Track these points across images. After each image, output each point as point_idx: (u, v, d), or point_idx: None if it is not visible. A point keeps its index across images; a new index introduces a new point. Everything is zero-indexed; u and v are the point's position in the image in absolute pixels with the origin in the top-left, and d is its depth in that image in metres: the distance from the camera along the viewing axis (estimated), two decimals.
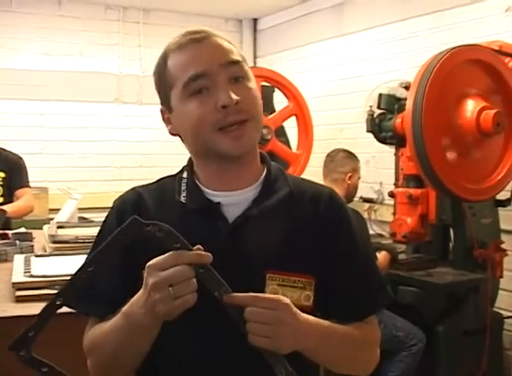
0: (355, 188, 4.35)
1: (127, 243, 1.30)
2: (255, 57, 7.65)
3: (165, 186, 1.60)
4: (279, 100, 5.36)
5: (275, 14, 7.24)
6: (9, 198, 4.75)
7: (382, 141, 4.22)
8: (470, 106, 3.50)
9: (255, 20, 7.68)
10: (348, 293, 1.54)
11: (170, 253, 1.26)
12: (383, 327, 3.47)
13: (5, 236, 3.68)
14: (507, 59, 3.87)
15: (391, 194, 4.16)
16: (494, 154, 3.71)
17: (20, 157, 4.95)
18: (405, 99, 3.76)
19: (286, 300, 1.31)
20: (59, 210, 4.67)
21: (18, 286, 2.51)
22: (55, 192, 5.61)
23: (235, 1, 6.94)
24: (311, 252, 1.51)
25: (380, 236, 5.27)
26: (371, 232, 4.99)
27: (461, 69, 3.55)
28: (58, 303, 1.30)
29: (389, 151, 4.55)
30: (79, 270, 1.30)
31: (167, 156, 6.74)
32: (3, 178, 4.76)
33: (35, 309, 2.33)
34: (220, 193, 1.52)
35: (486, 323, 3.95)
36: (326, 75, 6.49)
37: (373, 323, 1.59)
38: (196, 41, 1.46)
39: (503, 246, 4.19)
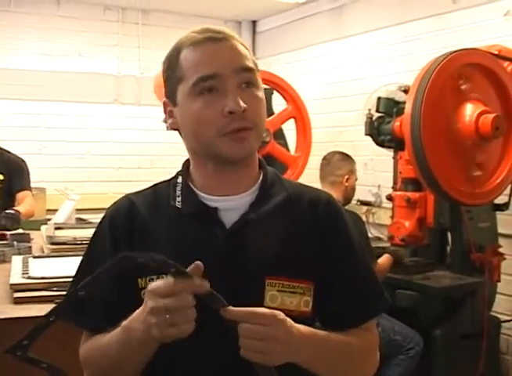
0: (353, 189, 4.35)
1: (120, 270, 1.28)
2: None
3: (160, 191, 1.58)
4: (278, 103, 5.36)
5: (275, 16, 7.24)
6: (7, 201, 4.71)
7: (380, 144, 4.22)
8: (469, 110, 3.50)
9: (254, 22, 7.68)
10: (346, 298, 1.53)
11: (171, 280, 1.23)
12: (381, 330, 3.48)
13: (2, 237, 3.67)
14: (506, 64, 3.87)
15: (390, 197, 4.16)
16: (493, 158, 3.71)
17: (23, 160, 4.91)
18: (404, 102, 3.77)
19: (282, 315, 1.29)
20: (56, 211, 4.66)
21: (16, 287, 2.51)
22: (53, 192, 5.60)
23: (234, 2, 6.94)
24: (309, 257, 1.50)
25: (378, 239, 5.27)
26: (369, 235, 4.99)
27: (460, 73, 3.55)
28: (51, 319, 1.29)
29: (387, 154, 4.55)
30: (70, 292, 1.29)
31: (166, 157, 6.74)
32: (1, 180, 4.73)
33: (34, 310, 2.35)
34: (217, 197, 1.50)
35: (483, 327, 3.95)
36: (325, 78, 6.49)
37: (372, 329, 1.58)
38: (213, 41, 1.44)
39: (501, 250, 4.19)
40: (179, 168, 1.62)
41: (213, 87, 1.41)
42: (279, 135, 5.20)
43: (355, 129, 5.44)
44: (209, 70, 1.41)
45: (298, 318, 1.38)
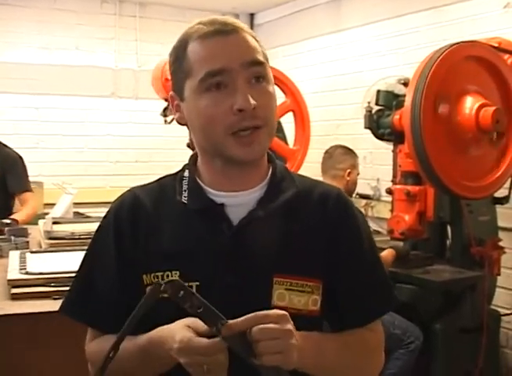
0: (355, 184, 4.34)
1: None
2: None
3: (165, 185, 1.54)
4: (277, 96, 5.33)
5: (273, 9, 7.22)
6: (2, 198, 4.65)
7: (380, 137, 4.21)
8: (469, 103, 3.48)
9: (252, 15, 7.66)
10: (355, 296, 1.50)
11: (205, 342, 1.20)
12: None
13: None
14: (506, 56, 3.85)
15: (389, 191, 4.14)
16: (493, 152, 3.69)
17: (20, 157, 4.78)
18: (404, 95, 3.75)
19: (282, 311, 1.25)
20: (54, 205, 4.65)
21: (13, 283, 2.50)
22: (50, 187, 5.58)
23: None
24: (318, 254, 1.46)
25: (377, 232, 5.26)
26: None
27: (460, 66, 3.53)
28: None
29: (386, 147, 4.53)
30: (111, 348, 1.26)
31: (164, 150, 6.74)
32: None
33: (31, 306, 2.33)
34: (224, 193, 1.47)
35: (483, 321, 3.94)
36: (324, 71, 6.47)
37: (377, 328, 1.56)
38: (222, 34, 1.38)
39: (501, 243, 4.18)
40: (177, 162, 1.60)
41: (221, 83, 1.36)
42: (278, 129, 5.12)
43: (354, 122, 5.42)
44: (217, 65, 1.36)
45: (306, 317, 1.37)
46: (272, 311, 1.24)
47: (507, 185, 4.00)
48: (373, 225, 5.46)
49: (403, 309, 3.88)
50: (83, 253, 1.58)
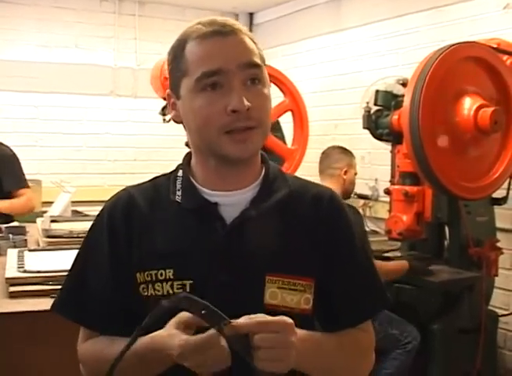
0: (352, 184, 4.34)
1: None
2: None
3: (159, 185, 1.56)
4: (275, 95, 5.34)
5: (272, 8, 7.22)
6: None
7: (378, 138, 4.21)
8: (468, 104, 3.49)
9: (251, 15, 7.66)
10: (347, 296, 1.51)
11: (200, 339, 1.21)
12: (377, 324, 3.47)
13: None
14: (505, 57, 3.85)
15: (387, 191, 4.14)
16: (491, 152, 3.70)
17: (13, 154, 4.71)
18: (402, 95, 3.75)
19: (289, 320, 1.25)
20: (52, 203, 4.65)
21: (11, 281, 2.50)
22: (49, 185, 5.58)
23: None
24: (311, 254, 1.48)
25: (375, 233, 5.26)
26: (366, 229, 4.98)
27: (459, 66, 3.53)
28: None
29: (384, 148, 4.53)
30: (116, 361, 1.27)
31: (162, 149, 6.74)
32: None
33: (29, 305, 2.33)
34: (217, 192, 1.48)
35: (481, 322, 3.95)
36: (323, 71, 6.48)
37: (368, 329, 1.57)
38: (220, 35, 1.39)
39: (499, 244, 4.18)
40: (175, 161, 1.61)
41: (216, 83, 1.37)
42: (276, 128, 5.18)
43: (353, 122, 5.43)
44: (213, 66, 1.37)
45: (298, 316, 1.37)
46: (278, 319, 1.24)
47: (505, 186, 4.01)
48: (371, 226, 5.47)
49: (401, 310, 3.89)
50: None
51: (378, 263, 3.75)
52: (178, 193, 1.50)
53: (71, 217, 4.34)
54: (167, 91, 1.50)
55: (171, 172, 1.58)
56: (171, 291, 1.42)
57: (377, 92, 4.13)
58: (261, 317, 1.23)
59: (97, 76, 6.88)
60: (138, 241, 1.47)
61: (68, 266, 1.58)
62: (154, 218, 1.49)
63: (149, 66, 5.53)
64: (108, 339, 1.45)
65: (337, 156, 4.31)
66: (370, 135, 4.24)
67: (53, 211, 4.31)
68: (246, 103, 1.36)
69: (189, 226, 1.47)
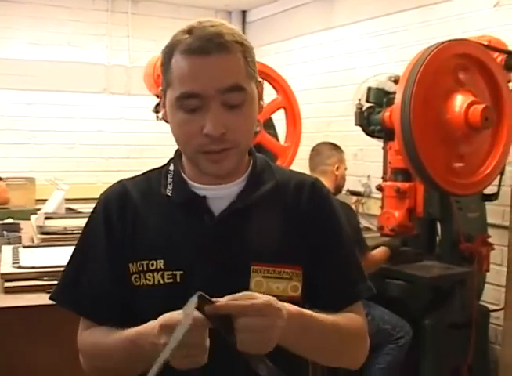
0: (343, 179, 4.38)
1: None
2: None
3: (152, 178, 1.61)
4: (268, 93, 5.36)
5: (265, 6, 7.23)
6: None
7: (370, 134, 4.23)
8: (459, 101, 3.51)
9: (244, 12, 7.67)
10: (333, 280, 1.54)
11: (183, 316, 1.20)
12: (370, 319, 3.50)
13: None
14: (496, 54, 3.88)
15: (379, 188, 4.16)
16: (482, 149, 3.72)
17: None
18: (394, 92, 3.77)
19: (278, 303, 1.27)
20: (46, 200, 4.67)
21: (6, 277, 2.51)
22: (42, 182, 5.60)
23: None
24: (297, 243, 1.51)
25: (368, 229, 5.29)
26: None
27: (450, 63, 3.56)
28: None
29: (376, 144, 4.56)
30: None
31: (155, 147, 6.74)
32: None
33: (24, 300, 2.35)
34: (206, 186, 1.53)
35: (472, 317, 3.97)
36: (315, 68, 6.49)
37: (358, 311, 1.58)
38: (205, 54, 1.38)
39: (490, 240, 4.20)
40: (169, 158, 1.64)
41: (195, 107, 1.40)
42: (269, 125, 5.20)
43: (345, 119, 5.45)
44: (193, 89, 1.39)
45: (287, 303, 1.39)
46: (263, 302, 1.24)
47: (496, 182, 4.03)
48: (363, 222, 5.49)
49: (393, 305, 3.92)
50: None
51: (367, 255, 3.81)
52: (169, 186, 1.55)
53: (65, 214, 4.36)
54: (160, 88, 1.53)
55: (163, 166, 1.62)
56: (161, 281, 1.46)
57: (369, 89, 4.15)
58: (247, 296, 1.25)
59: (90, 74, 6.88)
60: (132, 232, 1.52)
61: (62, 262, 1.60)
62: (147, 210, 1.54)
63: (143, 64, 5.54)
64: (105, 329, 1.47)
65: (329, 152, 4.34)
66: (362, 132, 4.26)
67: (47, 208, 4.32)
68: (219, 129, 1.39)
69: (179, 219, 1.51)
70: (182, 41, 1.41)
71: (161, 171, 1.60)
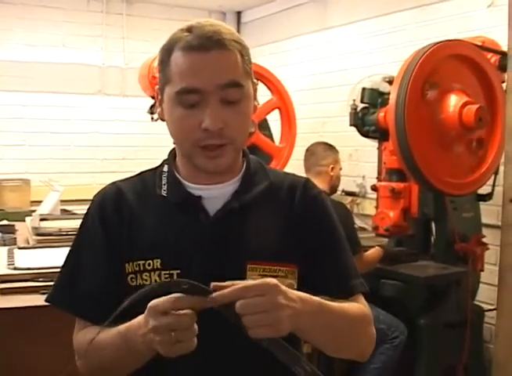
0: (338, 179, 4.39)
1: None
2: None
3: (146, 179, 1.62)
4: (263, 93, 5.36)
5: (259, 7, 7.24)
6: None
7: (365, 135, 4.24)
8: (453, 101, 3.52)
9: (239, 13, 7.67)
10: (328, 276, 1.55)
11: (171, 296, 1.22)
12: None
13: None
14: (490, 55, 3.89)
15: (374, 188, 4.17)
16: (476, 149, 3.73)
17: None
18: (389, 93, 3.78)
19: (273, 280, 1.26)
20: (41, 202, 4.66)
21: (1, 278, 2.51)
22: (38, 184, 5.59)
23: None
24: (291, 242, 1.53)
25: (363, 229, 5.29)
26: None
27: (444, 64, 3.57)
28: None
29: (371, 145, 4.57)
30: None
31: (150, 148, 6.73)
32: None
33: (19, 301, 2.35)
34: (201, 186, 1.54)
35: (467, 316, 3.98)
36: (310, 69, 6.50)
37: (363, 303, 1.58)
38: (204, 50, 1.41)
39: (484, 240, 4.21)
40: (161, 161, 1.65)
41: (194, 102, 1.42)
42: (264, 126, 5.21)
43: (340, 120, 5.45)
44: (193, 84, 1.41)
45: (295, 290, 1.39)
46: (261, 281, 1.25)
47: (491, 182, 4.04)
48: (358, 222, 5.49)
49: (388, 305, 3.92)
50: None
51: (361, 255, 3.81)
52: (164, 187, 1.56)
53: (60, 215, 4.35)
54: (156, 87, 1.54)
55: (157, 167, 1.64)
56: (158, 281, 1.47)
57: (364, 89, 4.15)
58: (246, 282, 1.25)
59: (85, 75, 6.87)
60: (127, 233, 1.52)
61: (58, 263, 1.60)
62: (142, 210, 1.55)
63: (137, 65, 5.54)
64: (99, 328, 1.47)
65: (323, 153, 4.35)
66: (357, 133, 4.27)
67: (42, 209, 4.32)
68: (218, 124, 1.41)
69: (174, 219, 1.52)
70: (183, 39, 1.44)
71: (155, 171, 1.62)
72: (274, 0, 6.91)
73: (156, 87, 1.54)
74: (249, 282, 1.25)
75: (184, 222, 1.51)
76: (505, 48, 3.99)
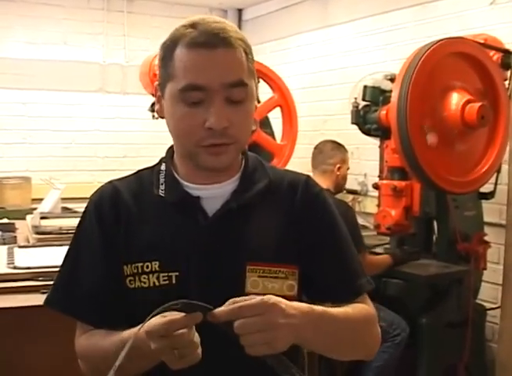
0: (344, 178, 4.37)
1: None
2: None
3: (143, 178, 1.59)
4: (264, 91, 5.35)
5: (261, 4, 7.22)
6: None
7: (367, 133, 4.23)
8: (455, 99, 3.51)
9: (240, 11, 7.66)
10: (334, 276, 1.53)
11: (166, 320, 1.21)
12: None
13: None
14: (492, 53, 3.88)
15: (376, 186, 4.17)
16: (478, 147, 3.72)
17: None
18: (390, 91, 3.77)
19: (273, 299, 1.25)
20: (41, 200, 4.65)
21: (1, 277, 2.50)
22: (38, 182, 5.58)
23: None
24: (293, 241, 1.51)
25: (364, 227, 5.28)
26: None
27: (446, 62, 3.55)
28: None
29: (373, 143, 4.55)
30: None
31: (151, 146, 6.72)
32: None
33: (19, 301, 2.34)
34: (199, 186, 1.52)
35: (469, 315, 3.97)
36: (311, 66, 6.49)
37: (367, 302, 1.56)
38: (210, 47, 1.38)
39: (486, 238, 4.20)
40: (158, 159, 1.63)
41: (198, 100, 1.40)
42: (266, 124, 5.20)
43: (341, 118, 5.44)
44: (197, 81, 1.38)
45: (296, 302, 1.38)
46: (259, 300, 1.24)
47: (493, 180, 4.03)
48: (360, 221, 5.48)
49: (390, 304, 3.91)
50: None
51: (364, 255, 3.80)
52: (162, 187, 1.53)
53: (61, 213, 4.34)
54: (156, 83, 1.52)
55: (154, 166, 1.61)
56: (157, 283, 1.45)
57: (365, 87, 4.14)
58: (246, 300, 1.23)
59: (86, 73, 6.85)
60: (125, 234, 1.50)
61: (58, 262, 1.59)
62: (139, 211, 1.52)
63: (138, 63, 5.53)
64: (101, 332, 1.46)
65: (331, 152, 4.32)
66: (359, 131, 4.26)
67: (43, 207, 4.31)
68: (223, 123, 1.39)
69: (172, 219, 1.50)
70: (187, 35, 1.41)
71: (152, 170, 1.59)
72: None
73: (156, 83, 1.51)
74: (248, 301, 1.23)
75: (182, 222, 1.49)
76: (507, 46, 4.01)
